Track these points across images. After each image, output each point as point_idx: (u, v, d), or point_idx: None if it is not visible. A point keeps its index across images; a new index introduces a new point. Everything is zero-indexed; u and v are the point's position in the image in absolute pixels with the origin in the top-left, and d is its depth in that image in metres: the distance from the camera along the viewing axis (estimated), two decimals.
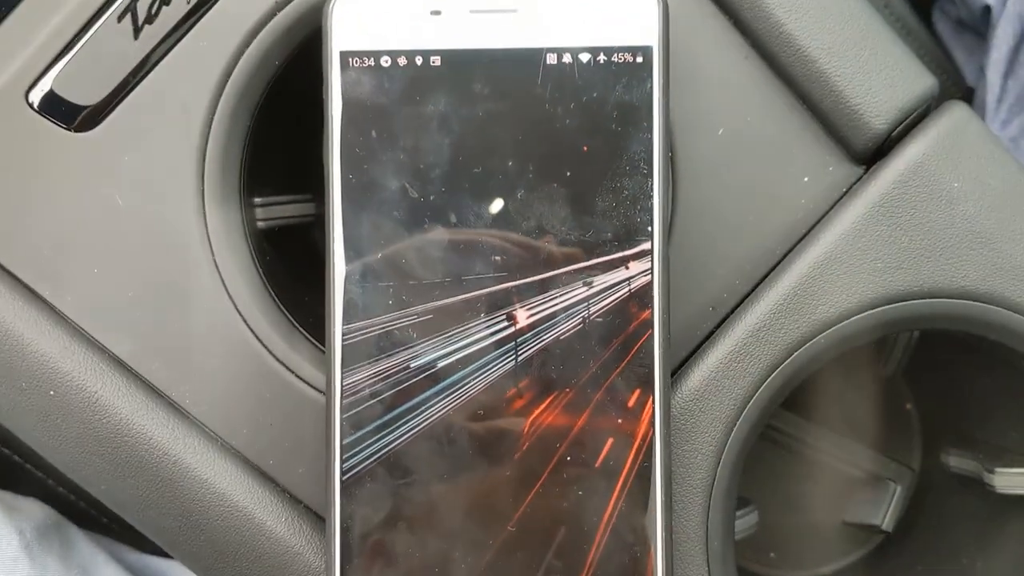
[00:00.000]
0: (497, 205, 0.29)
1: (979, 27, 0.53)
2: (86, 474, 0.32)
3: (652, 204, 0.29)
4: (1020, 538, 0.38)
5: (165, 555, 0.46)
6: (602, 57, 0.29)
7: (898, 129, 0.33)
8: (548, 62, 0.29)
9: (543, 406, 0.30)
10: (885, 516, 0.42)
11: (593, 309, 0.29)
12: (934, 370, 0.42)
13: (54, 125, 0.32)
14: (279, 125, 0.34)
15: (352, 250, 0.29)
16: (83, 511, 0.46)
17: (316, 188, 0.36)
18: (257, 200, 0.34)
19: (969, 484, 0.40)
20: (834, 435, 0.43)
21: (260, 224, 0.34)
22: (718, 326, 0.33)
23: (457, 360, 0.29)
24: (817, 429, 0.43)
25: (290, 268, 0.35)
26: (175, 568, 0.45)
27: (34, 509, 0.41)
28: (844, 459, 0.43)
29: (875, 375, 0.41)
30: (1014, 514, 0.38)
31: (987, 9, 0.50)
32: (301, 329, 0.33)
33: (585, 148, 0.29)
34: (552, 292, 0.29)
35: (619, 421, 0.29)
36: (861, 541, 0.45)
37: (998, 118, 0.51)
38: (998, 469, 0.37)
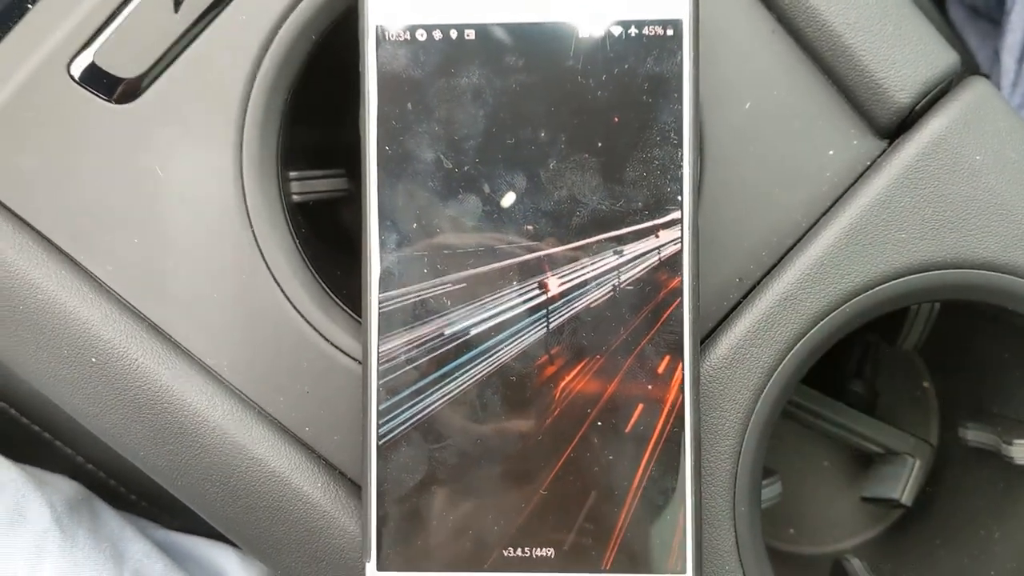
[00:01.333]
0: (530, 176, 0.30)
1: (993, 13, 0.53)
2: (125, 441, 0.33)
3: (682, 174, 0.30)
4: None
5: (191, 532, 0.46)
6: (633, 30, 0.30)
7: (921, 103, 0.33)
8: (580, 35, 0.30)
9: (574, 372, 0.30)
10: (904, 490, 0.42)
11: (623, 277, 0.30)
12: (952, 344, 0.43)
13: (95, 97, 0.32)
14: (314, 100, 0.34)
15: (388, 220, 0.30)
16: (111, 488, 0.47)
17: (349, 164, 0.37)
18: (292, 174, 0.35)
19: (987, 457, 0.40)
20: (852, 410, 0.44)
21: (295, 198, 0.35)
22: (745, 296, 0.33)
23: (490, 327, 0.30)
24: (835, 404, 0.43)
25: (323, 242, 0.36)
26: (200, 545, 0.46)
27: (64, 484, 0.42)
28: (862, 434, 0.43)
29: (894, 350, 0.41)
30: None
31: None
32: (337, 300, 0.33)
33: (616, 119, 0.30)
34: (583, 260, 0.30)
35: (649, 387, 0.30)
36: (880, 516, 0.46)
37: (1013, 101, 0.52)
38: (1016, 441, 0.37)
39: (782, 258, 0.33)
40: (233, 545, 0.46)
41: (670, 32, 0.30)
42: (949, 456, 0.44)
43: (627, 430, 0.30)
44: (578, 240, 0.30)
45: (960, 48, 0.55)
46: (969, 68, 0.55)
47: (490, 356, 0.30)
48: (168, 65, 0.32)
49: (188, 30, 0.32)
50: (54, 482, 0.42)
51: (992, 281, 0.33)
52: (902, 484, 0.42)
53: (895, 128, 0.33)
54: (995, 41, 0.53)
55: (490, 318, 0.30)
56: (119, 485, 0.47)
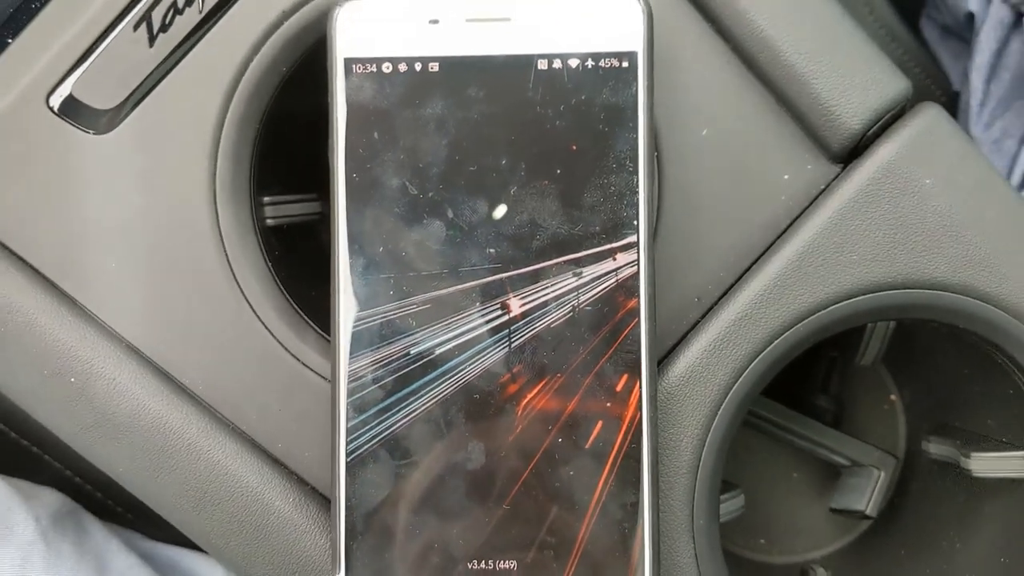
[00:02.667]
0: (492, 201, 0.31)
1: (964, 33, 0.54)
2: (104, 457, 0.34)
3: (638, 199, 0.31)
4: (996, 520, 0.39)
5: (175, 543, 0.47)
6: (590, 62, 0.31)
7: (873, 129, 0.34)
8: (539, 67, 0.31)
9: (536, 390, 0.31)
10: (869, 502, 0.43)
11: (583, 298, 0.31)
12: (917, 359, 0.44)
13: (73, 128, 0.33)
14: (287, 128, 0.35)
15: (356, 244, 0.31)
16: (98, 500, 0.48)
17: (322, 188, 0.38)
18: (266, 199, 0.35)
19: (948, 470, 0.41)
20: (819, 424, 0.44)
21: (269, 222, 0.35)
22: (703, 316, 0.34)
23: (454, 347, 0.31)
24: (802, 418, 0.44)
25: (297, 264, 0.37)
26: (185, 556, 0.47)
27: (50, 497, 0.43)
28: (829, 447, 0.44)
29: (857, 365, 0.42)
30: (990, 497, 0.40)
31: (971, 16, 0.51)
32: (308, 320, 0.34)
33: (574, 147, 0.31)
34: (543, 282, 0.31)
35: (608, 405, 0.31)
36: (848, 527, 0.46)
37: (981, 120, 0.52)
38: (974, 454, 0.38)
39: (739, 279, 0.34)
40: None
41: (625, 64, 0.31)
42: (915, 469, 0.45)
43: (587, 446, 0.31)
44: (538, 263, 0.31)
45: (934, 67, 0.56)
46: (941, 87, 0.56)
47: (454, 375, 0.31)
48: (143, 97, 0.33)
49: (162, 63, 0.33)
50: (40, 495, 0.42)
51: (943, 301, 0.34)
52: (867, 496, 0.43)
53: (848, 153, 0.34)
54: (966, 60, 0.54)
55: (454, 338, 0.31)
56: (106, 498, 0.48)
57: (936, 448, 0.42)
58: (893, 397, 0.47)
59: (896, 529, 0.45)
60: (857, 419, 0.47)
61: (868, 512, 0.43)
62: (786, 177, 0.34)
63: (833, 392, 0.46)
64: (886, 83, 0.34)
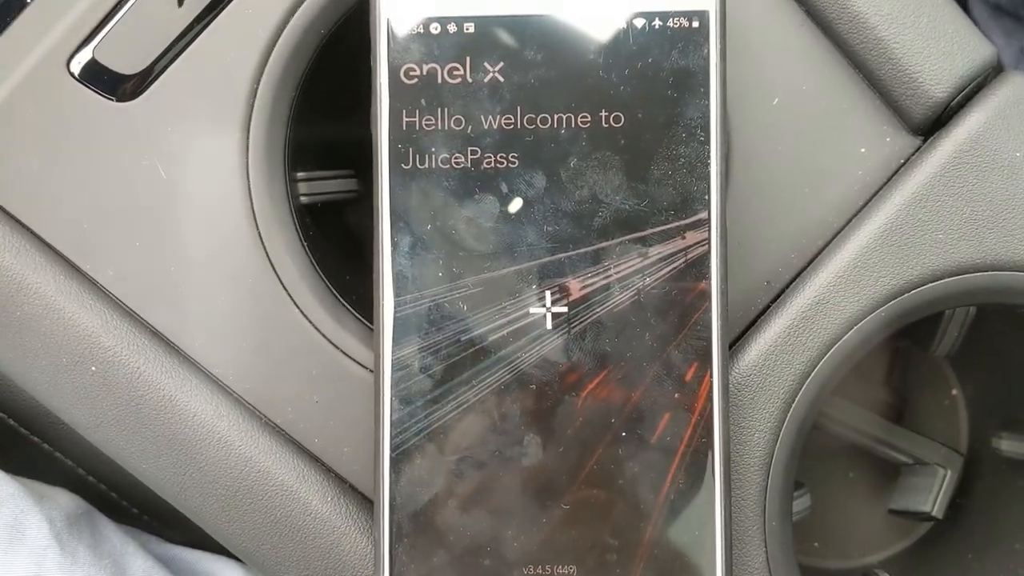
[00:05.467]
0: (549, 174, 0.29)
1: (1017, 10, 0.53)
2: (127, 453, 0.32)
3: (709, 172, 0.29)
4: None
5: (194, 546, 0.45)
6: (658, 22, 0.29)
7: (957, 98, 0.32)
8: (602, 28, 0.29)
9: (597, 380, 0.29)
10: (935, 502, 0.41)
11: (648, 280, 0.29)
12: (982, 351, 0.42)
13: (96, 94, 0.31)
14: (323, 98, 0.34)
15: (401, 221, 0.29)
16: (112, 501, 0.46)
17: (358, 163, 0.36)
18: (300, 175, 0.34)
19: (1019, 467, 0.39)
20: (881, 420, 0.42)
21: (303, 199, 0.34)
22: (774, 300, 0.32)
23: (508, 333, 0.29)
24: (863, 413, 0.42)
25: (332, 245, 0.35)
26: (204, 559, 0.45)
27: (64, 498, 0.41)
28: (891, 445, 0.42)
29: (925, 357, 0.40)
30: None
31: None
32: (347, 305, 0.32)
33: (640, 115, 0.29)
34: (606, 263, 0.29)
35: (676, 395, 0.29)
36: (908, 529, 0.44)
37: None
38: None
39: (812, 260, 0.32)
40: (237, 559, 0.45)
41: (696, 24, 0.29)
42: (980, 467, 0.43)
43: (653, 441, 0.29)
44: (601, 242, 0.29)
45: None
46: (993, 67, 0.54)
47: (509, 363, 0.29)
48: (171, 61, 0.31)
49: (192, 25, 0.31)
50: (54, 496, 0.41)
51: None
52: (933, 496, 0.41)
53: (930, 124, 0.32)
54: (1020, 39, 0.52)
55: (508, 323, 0.29)
56: (121, 498, 0.46)
57: (1009, 445, 0.40)
58: (955, 392, 0.44)
59: (961, 531, 0.42)
60: (916, 415, 0.45)
61: (935, 513, 0.41)
62: (863, 150, 0.32)
63: (895, 385, 0.44)
64: (972, 49, 0.32)
